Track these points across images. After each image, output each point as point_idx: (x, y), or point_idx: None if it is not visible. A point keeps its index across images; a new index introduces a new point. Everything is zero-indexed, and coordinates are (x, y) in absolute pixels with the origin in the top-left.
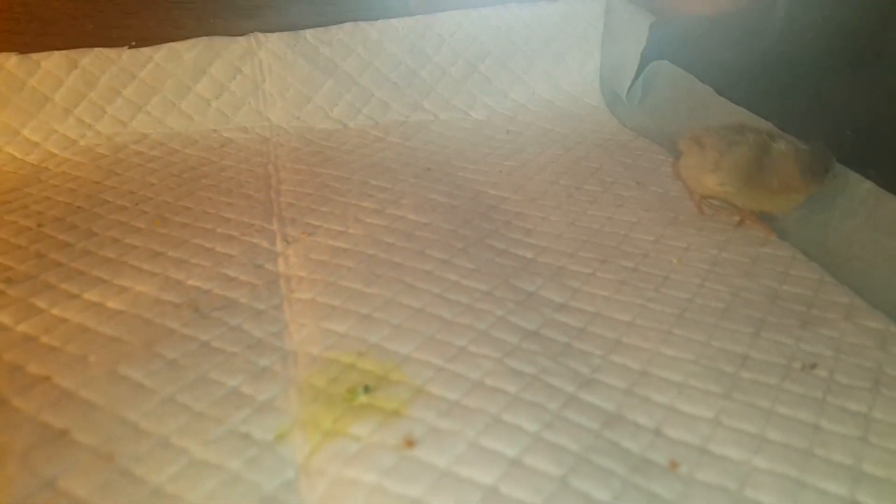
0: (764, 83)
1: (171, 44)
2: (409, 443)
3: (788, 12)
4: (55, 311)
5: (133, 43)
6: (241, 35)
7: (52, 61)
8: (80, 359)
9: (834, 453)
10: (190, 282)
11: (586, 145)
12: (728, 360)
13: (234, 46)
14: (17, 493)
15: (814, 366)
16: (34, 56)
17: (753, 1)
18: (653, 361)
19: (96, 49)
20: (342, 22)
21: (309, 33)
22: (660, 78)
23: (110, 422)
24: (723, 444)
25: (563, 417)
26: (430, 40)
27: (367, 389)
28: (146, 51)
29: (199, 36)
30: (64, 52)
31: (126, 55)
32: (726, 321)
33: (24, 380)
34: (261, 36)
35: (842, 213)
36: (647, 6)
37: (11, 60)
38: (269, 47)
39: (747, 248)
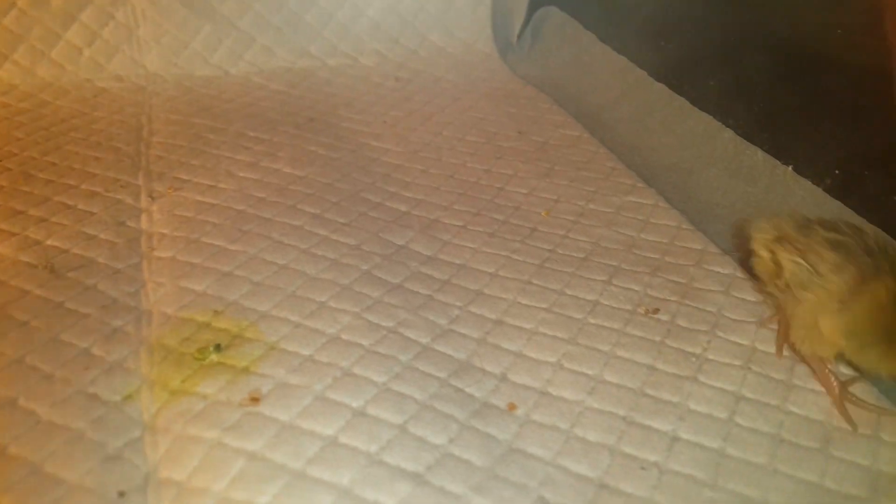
0: (643, 30)
1: None
2: (255, 399)
3: None
4: None
5: None
6: None
7: None
8: None
9: (664, 393)
10: (49, 241)
11: (475, 95)
12: (578, 307)
13: None
14: None
15: (656, 310)
16: None
17: None
18: (509, 311)
19: None
20: None
21: None
22: (548, 24)
23: None
24: (561, 386)
25: (413, 368)
26: None
27: (218, 348)
28: None
29: None
30: None
31: None
32: (583, 270)
33: None
34: None
35: (704, 161)
36: None
37: None
38: None
39: (613, 197)
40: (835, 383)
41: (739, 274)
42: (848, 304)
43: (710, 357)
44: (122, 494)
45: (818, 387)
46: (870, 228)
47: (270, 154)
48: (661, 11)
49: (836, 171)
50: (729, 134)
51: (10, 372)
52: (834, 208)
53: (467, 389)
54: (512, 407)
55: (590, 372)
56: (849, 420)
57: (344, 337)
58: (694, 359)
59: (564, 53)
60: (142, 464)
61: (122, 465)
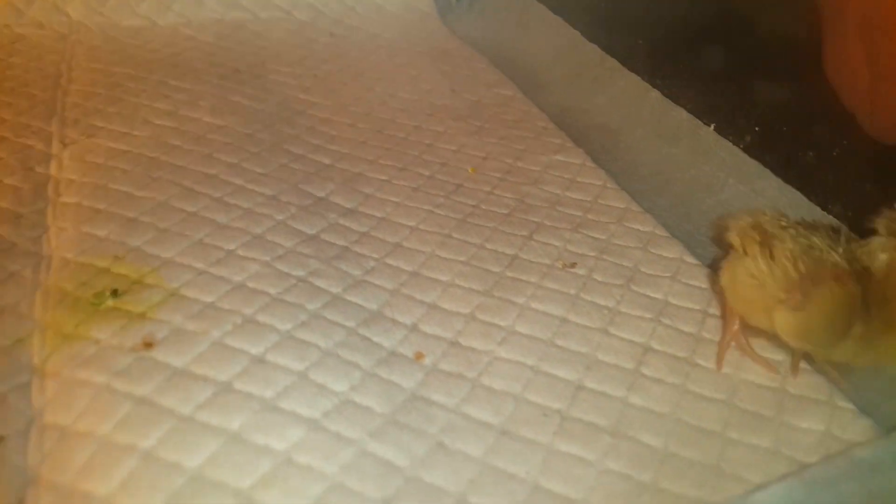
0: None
1: None
2: (148, 344)
3: None
4: None
5: None
6: None
7: None
8: None
9: (573, 343)
10: None
11: (411, 53)
12: (497, 261)
13: None
14: None
15: (573, 265)
16: None
17: None
18: (426, 264)
19: None
20: None
21: None
22: None
23: None
24: (471, 337)
25: (320, 317)
26: None
27: (115, 294)
28: None
29: None
30: None
31: None
32: (505, 226)
33: None
34: None
35: (633, 121)
36: None
37: None
38: None
39: (541, 156)
40: (735, 328)
41: (659, 232)
42: (801, 303)
43: (623, 310)
44: (1, 438)
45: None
46: (845, 233)
47: (190, 103)
48: None
49: (756, 129)
50: (655, 94)
51: None
52: (752, 169)
53: (375, 339)
54: (419, 356)
55: (502, 323)
56: (719, 360)
57: (250, 285)
58: (606, 311)
59: (503, 14)
60: (26, 408)
61: (6, 409)
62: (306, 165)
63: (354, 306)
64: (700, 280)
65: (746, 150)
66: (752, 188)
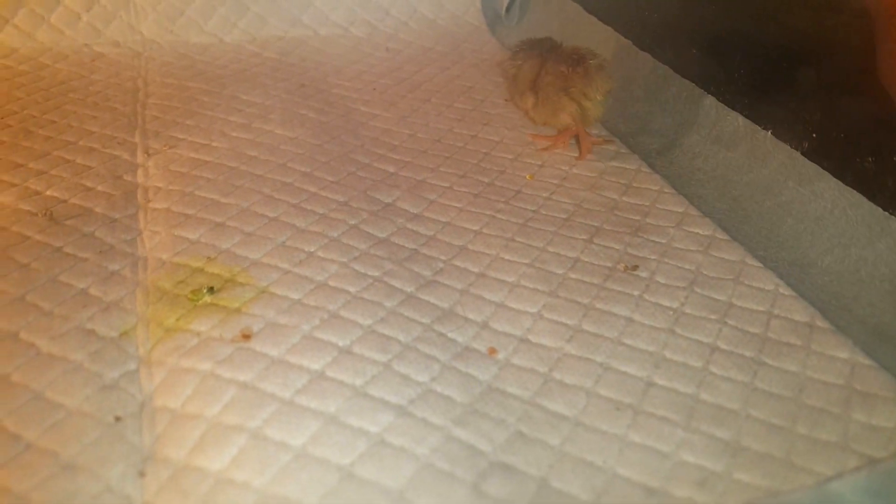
0: (628, 1)
1: None
2: (246, 336)
3: None
4: None
5: None
6: None
7: None
8: None
9: (640, 342)
10: (48, 192)
11: (463, 65)
12: (560, 263)
13: None
14: None
15: (635, 267)
16: None
17: None
18: (492, 265)
19: None
20: None
21: None
22: None
23: None
24: (540, 334)
25: (397, 313)
26: None
27: (211, 290)
28: None
29: None
30: None
31: None
32: (565, 230)
33: None
34: None
35: (686, 127)
36: None
37: None
38: None
39: (597, 163)
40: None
41: (719, 235)
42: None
43: (687, 311)
44: (118, 419)
45: (794, 340)
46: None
47: (262, 116)
48: None
49: (814, 135)
50: (710, 100)
51: (12, 308)
52: (811, 172)
53: (449, 334)
54: (492, 351)
55: (569, 322)
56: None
57: (331, 284)
58: (671, 312)
59: (552, 25)
60: (137, 393)
61: (119, 393)
62: (372, 173)
63: (428, 304)
64: (763, 282)
65: (806, 154)
66: (811, 190)
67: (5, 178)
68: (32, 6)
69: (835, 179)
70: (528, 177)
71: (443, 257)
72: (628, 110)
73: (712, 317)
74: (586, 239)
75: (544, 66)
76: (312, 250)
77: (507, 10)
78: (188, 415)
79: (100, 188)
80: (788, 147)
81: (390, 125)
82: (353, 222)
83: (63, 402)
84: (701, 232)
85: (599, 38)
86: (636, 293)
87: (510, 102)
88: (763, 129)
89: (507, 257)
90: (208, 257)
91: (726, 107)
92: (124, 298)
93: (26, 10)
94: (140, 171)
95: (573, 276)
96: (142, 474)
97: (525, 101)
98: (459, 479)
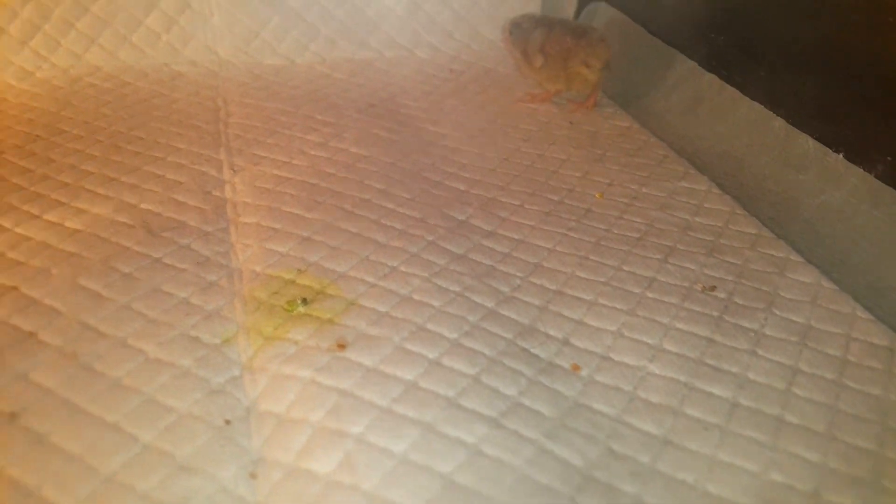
0: (693, 23)
1: None
2: (341, 345)
3: None
4: (19, 230)
5: None
6: None
7: None
8: (44, 271)
9: (723, 363)
10: (142, 205)
11: (526, 86)
12: (636, 282)
13: None
14: None
15: (713, 288)
16: None
17: None
18: (568, 283)
19: None
20: None
21: None
22: (597, 19)
23: (73, 326)
24: (622, 352)
25: (480, 328)
26: None
27: (304, 301)
28: None
29: None
30: None
31: None
32: (639, 249)
33: None
34: None
35: (756, 148)
36: None
37: None
38: None
39: (666, 182)
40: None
41: (794, 257)
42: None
43: (768, 333)
44: (228, 422)
45: (875, 364)
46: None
47: (337, 135)
48: (710, 4)
49: (889, 158)
50: (780, 122)
51: (119, 316)
52: (886, 195)
53: (533, 350)
54: (576, 368)
55: (650, 341)
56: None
57: (416, 297)
58: (752, 334)
59: (612, 45)
60: (243, 398)
61: (226, 398)
62: (445, 191)
63: (509, 320)
64: (840, 304)
65: (880, 177)
66: (886, 214)
67: (101, 192)
68: (117, 27)
69: None
70: (597, 195)
71: (519, 274)
72: (695, 132)
73: (792, 339)
74: (661, 258)
75: (550, 34)
76: (395, 265)
77: None
78: (293, 419)
79: (191, 202)
80: (861, 170)
81: (458, 144)
82: (430, 238)
83: (174, 405)
84: (776, 254)
85: (663, 59)
86: (715, 314)
87: (519, 69)
88: (834, 151)
89: (582, 275)
90: (299, 269)
91: (796, 129)
92: (223, 307)
93: (111, 31)
94: (227, 187)
95: (650, 295)
96: (253, 476)
97: (535, 61)
98: (557, 491)
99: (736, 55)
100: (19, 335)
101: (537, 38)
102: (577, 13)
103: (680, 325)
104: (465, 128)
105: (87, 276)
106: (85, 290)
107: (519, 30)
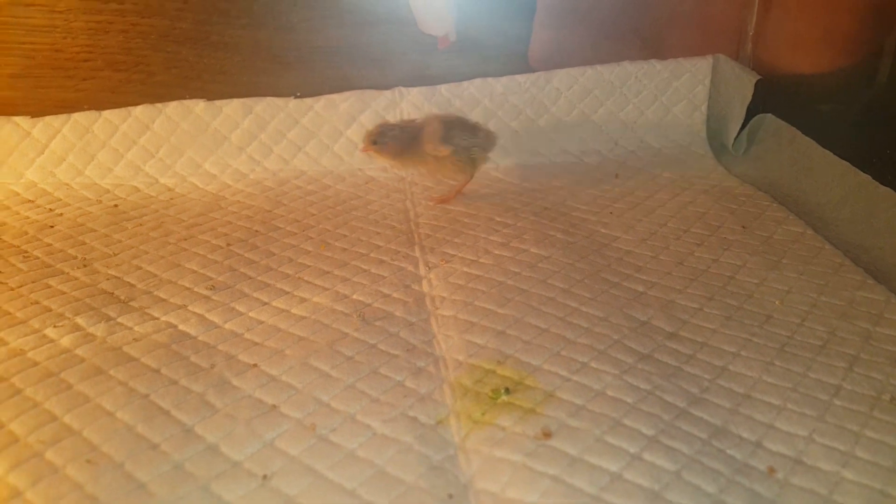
0: (865, 136)
1: (329, 95)
2: (547, 434)
3: (892, 70)
4: (252, 314)
5: (298, 94)
6: (387, 89)
7: (231, 107)
8: (278, 352)
9: None
10: (354, 296)
11: (693, 191)
12: (823, 389)
13: (381, 98)
14: (246, 449)
15: None
16: (217, 102)
17: (854, 59)
18: (756, 387)
19: (268, 98)
20: (472, 78)
21: (444, 87)
22: (763, 130)
23: (308, 400)
24: (815, 457)
25: (675, 426)
26: (548, 94)
27: (507, 391)
28: (308, 101)
29: (352, 89)
30: (241, 99)
31: (292, 104)
32: (822, 356)
33: (237, 366)
34: (403, 90)
35: None
36: (752, 64)
37: (200, 105)
38: (409, 99)
39: (844, 291)
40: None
41: None
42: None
43: None
44: (451, 496)
45: None
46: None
47: (517, 236)
48: (884, 119)
49: None
50: None
51: (347, 394)
52: None
53: (728, 451)
54: (771, 470)
55: (842, 448)
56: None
57: (609, 393)
58: None
59: (782, 156)
60: (460, 475)
61: (445, 474)
62: (624, 292)
63: (701, 420)
64: None
65: None
66: None
67: (318, 283)
68: (321, 137)
69: None
70: (777, 302)
71: (707, 376)
72: (871, 242)
73: None
74: (846, 367)
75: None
76: (585, 361)
77: (735, 140)
78: (509, 499)
79: (395, 295)
80: None
81: (632, 247)
82: (615, 337)
83: (403, 477)
84: None
85: (835, 172)
86: None
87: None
88: None
89: (769, 380)
90: (498, 361)
91: None
92: (434, 391)
93: (316, 141)
94: (425, 282)
95: (838, 402)
96: None
97: (440, 150)
98: None
99: None
100: (264, 407)
101: (436, 130)
102: (744, 125)
103: (871, 434)
104: (636, 231)
105: (317, 357)
106: (316, 370)
107: (385, 137)
